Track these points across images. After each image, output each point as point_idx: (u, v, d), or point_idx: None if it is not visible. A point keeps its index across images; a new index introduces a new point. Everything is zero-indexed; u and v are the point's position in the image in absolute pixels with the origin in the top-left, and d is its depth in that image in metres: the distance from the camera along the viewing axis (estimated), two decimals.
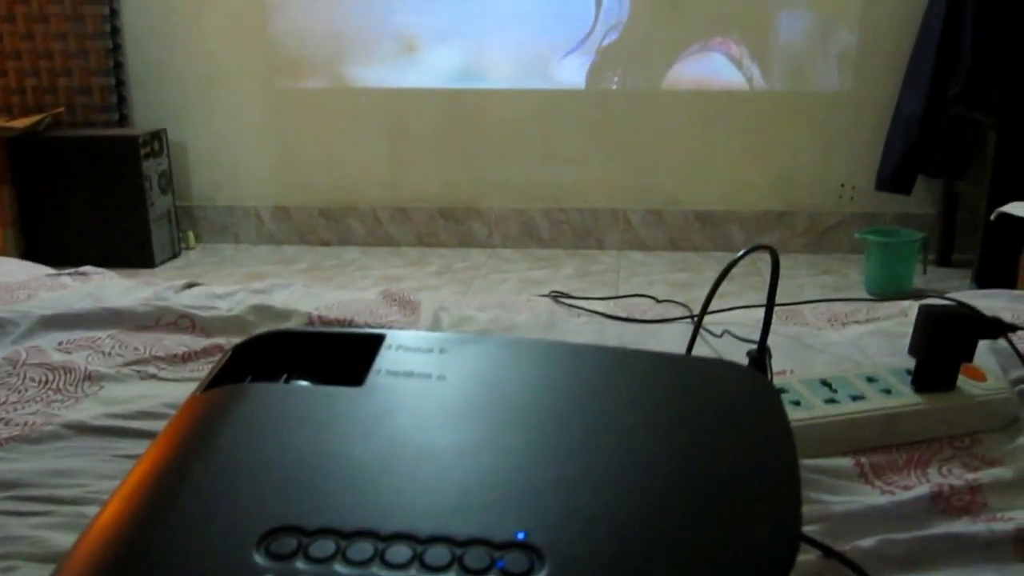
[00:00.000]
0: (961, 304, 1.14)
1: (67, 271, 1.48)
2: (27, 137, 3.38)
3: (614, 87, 3.52)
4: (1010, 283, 2.49)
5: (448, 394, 0.62)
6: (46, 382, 1.04)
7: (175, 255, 3.61)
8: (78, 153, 3.40)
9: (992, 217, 2.28)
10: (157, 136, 3.48)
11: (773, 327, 0.92)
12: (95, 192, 3.41)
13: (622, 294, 2.13)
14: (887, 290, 3.02)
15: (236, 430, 0.58)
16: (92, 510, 0.75)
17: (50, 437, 0.91)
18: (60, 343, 1.14)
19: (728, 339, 1.15)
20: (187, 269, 3.46)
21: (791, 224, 3.57)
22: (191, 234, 3.74)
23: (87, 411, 0.96)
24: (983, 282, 2.93)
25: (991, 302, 1.26)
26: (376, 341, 0.68)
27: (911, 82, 3.24)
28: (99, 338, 1.16)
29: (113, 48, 3.54)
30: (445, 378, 0.63)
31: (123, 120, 3.63)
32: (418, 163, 3.68)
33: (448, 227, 3.71)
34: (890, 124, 3.31)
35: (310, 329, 1.14)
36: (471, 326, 1.21)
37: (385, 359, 0.65)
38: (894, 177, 3.28)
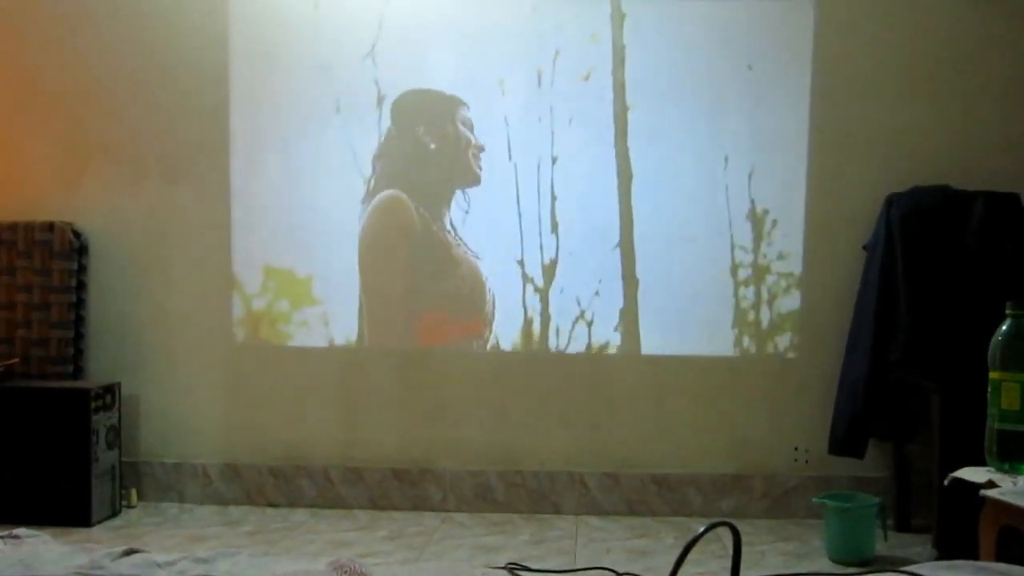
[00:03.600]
0: None
1: None
2: None
3: (568, 351, 3.60)
4: (971, 550, 2.46)
5: None
6: None
7: (115, 513, 3.45)
8: (26, 405, 3.34)
9: (946, 483, 2.29)
10: (110, 389, 3.44)
11: None
12: (39, 445, 3.31)
13: (580, 565, 2.07)
14: (849, 557, 2.96)
15: None
16: None
17: None
18: None
19: None
20: (126, 529, 3.30)
21: (748, 488, 3.55)
22: (134, 491, 3.60)
23: None
24: (944, 549, 2.89)
25: (955, 575, 1.24)
26: None
27: (854, 348, 3.36)
28: None
29: (76, 302, 3.58)
30: None
31: (77, 372, 3.59)
32: (372, 423, 3.65)
33: (402, 489, 3.62)
34: (837, 389, 3.39)
35: None
36: None
37: None
38: (845, 441, 3.32)
